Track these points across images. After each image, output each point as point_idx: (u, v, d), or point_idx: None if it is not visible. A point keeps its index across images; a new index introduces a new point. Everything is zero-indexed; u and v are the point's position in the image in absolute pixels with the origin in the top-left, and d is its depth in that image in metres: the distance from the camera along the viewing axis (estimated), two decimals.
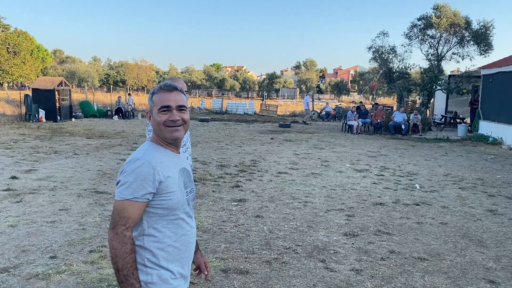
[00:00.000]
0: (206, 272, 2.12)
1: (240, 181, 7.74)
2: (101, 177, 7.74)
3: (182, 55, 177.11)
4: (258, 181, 7.86)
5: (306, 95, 25.00)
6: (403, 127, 17.64)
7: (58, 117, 18.63)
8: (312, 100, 25.26)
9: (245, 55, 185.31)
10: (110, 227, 1.66)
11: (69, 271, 3.83)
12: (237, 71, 75.35)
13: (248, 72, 79.58)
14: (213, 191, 6.96)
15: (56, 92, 18.56)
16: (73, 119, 19.75)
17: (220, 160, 9.93)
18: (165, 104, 1.75)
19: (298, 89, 64.20)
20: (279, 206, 6.22)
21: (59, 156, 9.92)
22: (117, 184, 1.71)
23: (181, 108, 1.78)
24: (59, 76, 39.69)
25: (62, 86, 19.18)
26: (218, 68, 77.76)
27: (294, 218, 5.65)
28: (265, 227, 5.25)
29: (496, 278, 3.95)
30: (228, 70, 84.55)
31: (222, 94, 54.27)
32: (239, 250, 4.49)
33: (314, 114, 26.33)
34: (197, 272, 2.14)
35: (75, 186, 7.00)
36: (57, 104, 18.70)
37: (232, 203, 6.28)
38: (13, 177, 7.44)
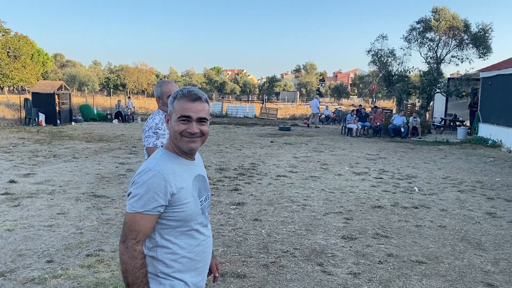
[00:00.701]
0: (216, 274, 2.10)
1: (239, 185, 7.73)
2: (99, 181, 7.73)
3: (182, 58, 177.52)
4: (257, 184, 7.85)
5: (314, 98, 25.11)
6: (402, 130, 17.64)
7: (58, 121, 18.65)
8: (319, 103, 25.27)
9: (246, 58, 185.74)
10: (120, 241, 1.62)
11: (66, 275, 3.82)
12: (238, 74, 75.44)
13: (249, 75, 79.68)
14: (212, 194, 6.95)
15: (56, 96, 18.58)
16: (73, 123, 19.76)
17: (220, 164, 9.92)
18: (186, 114, 1.68)
19: (298, 92, 64.26)
20: (277, 209, 6.21)
21: (58, 160, 9.92)
22: (128, 195, 1.65)
23: (201, 120, 1.70)
24: (60, 80, 39.78)
25: (62, 90, 19.20)
26: (218, 72, 77.84)
27: (292, 222, 5.64)
28: (263, 231, 5.24)
29: (494, 282, 3.94)
30: (228, 74, 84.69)
31: (222, 97, 54.32)
32: (236, 254, 4.47)
33: (321, 116, 26.30)
34: (210, 275, 2.14)
35: (74, 190, 6.99)
36: (57, 108, 18.72)
37: (231, 207, 6.27)
38: (12, 181, 7.43)
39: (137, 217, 1.60)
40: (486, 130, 16.23)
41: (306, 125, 22.52)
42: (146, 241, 1.68)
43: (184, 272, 1.70)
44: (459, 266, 4.28)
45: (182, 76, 68.17)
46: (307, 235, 5.12)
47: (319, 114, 26.68)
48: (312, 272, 4.07)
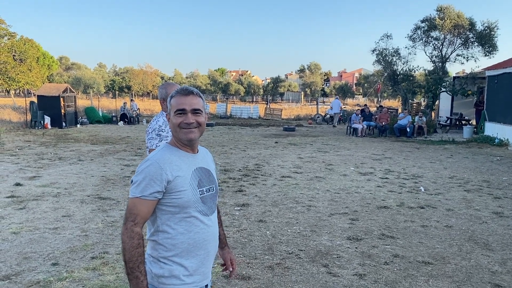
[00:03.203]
0: (231, 269, 2.18)
1: (243, 186, 7.72)
2: (104, 183, 7.75)
3: (186, 60, 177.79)
4: (262, 185, 7.83)
5: (335, 99, 25.66)
6: (408, 129, 17.55)
7: (63, 124, 18.74)
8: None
9: (250, 59, 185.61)
10: (123, 222, 1.77)
11: (71, 278, 3.82)
12: (242, 75, 75.50)
13: (253, 76, 79.71)
14: None
15: (61, 99, 18.68)
16: (78, 125, 19.85)
17: (224, 165, 9.91)
18: (181, 108, 1.84)
19: (302, 92, 64.15)
20: (282, 210, 6.19)
21: (63, 162, 9.96)
22: (131, 183, 1.82)
23: (196, 111, 1.86)
24: (65, 82, 39.96)
25: (67, 92, 19.30)
26: (222, 73, 77.93)
27: (297, 223, 5.62)
28: (268, 232, 5.22)
29: (502, 282, 3.89)
30: (232, 75, 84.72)
31: (227, 98, 54.36)
32: (241, 256, 4.46)
33: (319, 117, 26.29)
34: (223, 268, 2.21)
35: (79, 192, 7.01)
36: (62, 111, 18.81)
37: (235, 208, 6.25)
38: (17, 184, 7.46)
39: (136, 201, 1.76)
40: (492, 129, 16.10)
41: (327, 123, 23.01)
42: (149, 225, 1.84)
43: (184, 258, 1.81)
44: (466, 267, 4.24)
45: (186, 77, 68.30)
46: (312, 236, 5.09)
47: (324, 115, 26.63)
48: (317, 273, 4.05)
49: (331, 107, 25.19)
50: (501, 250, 4.73)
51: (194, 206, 1.82)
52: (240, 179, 8.35)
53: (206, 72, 71.80)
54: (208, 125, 21.23)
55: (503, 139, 14.75)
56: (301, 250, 4.64)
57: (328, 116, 25.97)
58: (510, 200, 6.98)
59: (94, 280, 3.80)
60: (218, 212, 2.15)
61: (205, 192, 1.88)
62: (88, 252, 4.45)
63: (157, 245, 1.81)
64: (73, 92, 20.14)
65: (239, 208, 6.26)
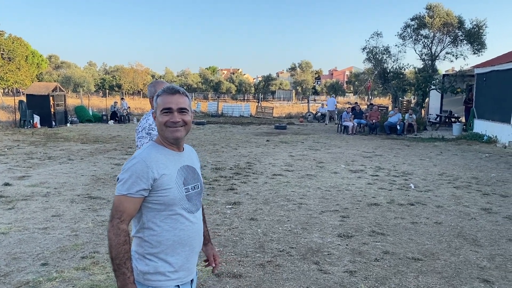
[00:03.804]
0: (214, 265, 2.22)
1: (235, 184, 7.72)
2: (95, 182, 7.70)
3: (177, 58, 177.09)
4: (253, 183, 7.84)
5: (330, 97, 26.02)
6: (398, 127, 17.67)
7: (53, 123, 18.57)
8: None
9: (241, 57, 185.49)
10: (109, 219, 1.79)
11: (61, 278, 3.79)
12: (233, 73, 75.40)
13: (244, 74, 79.60)
14: (208, 194, 6.93)
15: (51, 98, 18.50)
16: (68, 124, 19.68)
17: (215, 163, 9.90)
18: (167, 106, 1.85)
19: (294, 91, 64.23)
20: (273, 208, 6.20)
21: (53, 162, 9.87)
22: (117, 180, 1.84)
23: (182, 110, 1.87)
24: (55, 81, 39.59)
25: (56, 91, 19.12)
26: (213, 71, 77.76)
27: (288, 220, 5.63)
28: (259, 230, 5.23)
29: (490, 277, 3.94)
30: (224, 73, 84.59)
31: (218, 97, 54.25)
32: (232, 254, 4.46)
33: (310, 115, 26.36)
34: (206, 264, 2.25)
35: (69, 192, 6.96)
36: (52, 110, 18.64)
37: (227, 206, 6.25)
38: (6, 184, 7.39)
39: (122, 199, 1.78)
40: (481, 126, 16.28)
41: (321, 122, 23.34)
42: (135, 222, 1.87)
43: (169, 254, 1.84)
44: (455, 263, 4.29)
45: (177, 76, 68.05)
46: (303, 234, 5.11)
47: (315, 113, 26.71)
48: (308, 271, 4.07)
49: (326, 105, 25.41)
50: (490, 246, 4.79)
51: (180, 203, 1.85)
52: (232, 177, 8.35)
53: (197, 70, 71.66)
54: (199, 123, 21.18)
55: (492, 136, 14.92)
56: (292, 247, 4.66)
57: (319, 114, 26.05)
58: (499, 197, 7.07)
59: (84, 280, 3.78)
60: (202, 209, 2.20)
61: (190, 190, 1.91)
62: (78, 252, 4.43)
63: (143, 242, 1.84)
64: (62, 91, 19.95)
65: (230, 206, 6.26)
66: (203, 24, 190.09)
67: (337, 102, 28.82)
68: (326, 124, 23.27)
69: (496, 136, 14.72)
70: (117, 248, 1.73)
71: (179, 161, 1.91)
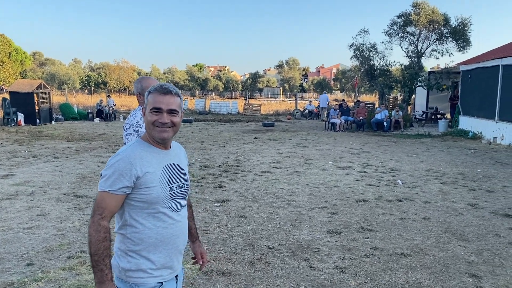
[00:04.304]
0: (201, 262, 2.21)
1: (223, 181, 7.67)
2: (81, 181, 7.58)
3: (164, 55, 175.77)
4: (242, 181, 7.81)
5: (323, 94, 26.11)
6: (385, 124, 17.80)
7: (38, 120, 18.27)
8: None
9: (228, 55, 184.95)
10: (90, 216, 1.78)
11: (46, 279, 3.71)
12: (220, 71, 75.16)
13: (231, 72, 79.44)
14: (196, 192, 6.88)
15: (35, 95, 18.19)
16: (53, 122, 19.39)
17: (203, 161, 9.84)
18: (157, 106, 1.83)
19: (281, 88, 64.30)
20: (262, 205, 6.18)
21: (37, 160, 9.70)
22: (100, 176, 1.83)
23: (172, 111, 1.85)
24: (39, 78, 38.95)
25: (41, 88, 18.81)
26: (200, 68, 77.37)
27: (277, 217, 5.62)
28: (248, 227, 5.20)
29: (478, 272, 3.98)
30: (211, 70, 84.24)
31: (205, 94, 53.96)
32: (222, 252, 4.42)
33: (297, 112, 26.41)
34: (194, 261, 2.24)
35: (54, 191, 6.84)
36: (36, 107, 18.34)
37: (215, 204, 6.21)
38: None
39: (104, 195, 1.76)
40: (466, 123, 16.49)
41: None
42: (118, 219, 1.86)
43: (151, 252, 1.83)
44: (444, 258, 4.32)
45: (164, 73, 67.54)
46: (293, 231, 5.10)
47: (302, 110, 26.77)
48: (298, 268, 4.05)
49: (318, 102, 25.57)
50: (477, 240, 4.84)
51: (163, 202, 1.84)
52: (220, 175, 8.30)
53: (184, 67, 71.18)
54: (186, 121, 21.05)
55: (477, 132, 15.13)
56: (281, 244, 4.64)
57: (306, 111, 26.11)
58: (485, 192, 7.15)
59: (71, 280, 3.71)
60: (190, 207, 2.20)
61: (175, 189, 1.89)
62: (65, 252, 4.34)
63: (125, 239, 1.83)
64: (47, 88, 19.63)
65: (219, 204, 6.22)
66: (190, 21, 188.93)
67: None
68: (323, 120, 23.21)
69: (481, 132, 14.92)
70: (97, 245, 1.71)
71: (164, 159, 1.89)
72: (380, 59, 23.17)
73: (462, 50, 21.42)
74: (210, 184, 7.49)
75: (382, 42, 25.11)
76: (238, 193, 6.89)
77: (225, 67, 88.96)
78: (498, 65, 14.11)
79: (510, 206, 6.24)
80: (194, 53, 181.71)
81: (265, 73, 78.03)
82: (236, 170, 8.79)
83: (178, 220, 1.91)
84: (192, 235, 2.21)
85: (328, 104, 24.70)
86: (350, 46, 23.47)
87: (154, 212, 1.82)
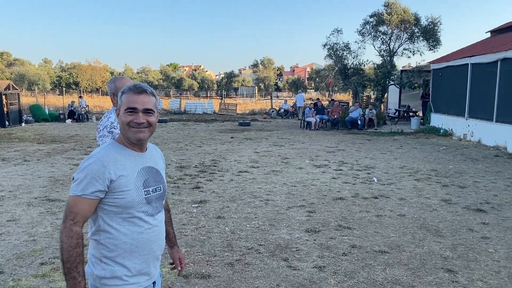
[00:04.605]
0: (179, 268, 2.17)
1: (200, 182, 7.60)
2: (53, 184, 7.37)
3: (137, 55, 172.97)
4: (219, 181, 7.75)
5: (299, 93, 26.25)
6: (359, 122, 18.04)
7: (6, 123, 17.71)
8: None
9: (203, 54, 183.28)
10: (62, 221, 1.72)
11: (18, 287, 3.58)
12: (195, 70, 74.65)
13: (206, 71, 79.02)
14: (173, 193, 6.79)
15: (3, 96, 17.63)
16: (23, 124, 18.83)
17: (180, 161, 9.73)
18: (132, 106, 1.77)
19: (256, 87, 64.36)
20: (240, 205, 6.15)
21: (7, 163, 9.38)
22: (72, 180, 1.76)
23: (147, 111, 1.79)
24: (7, 79, 37.74)
25: (9, 89, 18.24)
26: (175, 68, 76.60)
27: (256, 217, 5.60)
28: (226, 228, 5.16)
29: (453, 267, 4.06)
30: (185, 70, 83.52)
31: (180, 94, 53.41)
32: (200, 254, 4.37)
33: (273, 112, 26.48)
34: (172, 266, 2.20)
35: (25, 195, 6.62)
36: (5, 109, 17.77)
37: (193, 205, 6.14)
38: None
39: (76, 200, 1.69)
40: (437, 120, 16.88)
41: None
42: (91, 224, 1.79)
43: (127, 258, 1.77)
44: (420, 254, 4.39)
45: (138, 73, 66.56)
46: (271, 230, 5.09)
47: (278, 109, 26.85)
48: (277, 268, 4.04)
49: (295, 101, 25.71)
50: (451, 236, 4.94)
51: (138, 206, 1.78)
52: (197, 175, 8.22)
53: (158, 67, 70.34)
54: (162, 121, 20.80)
55: (448, 129, 15.51)
56: (260, 245, 4.62)
57: (282, 110, 26.21)
58: (457, 188, 7.33)
59: (44, 287, 3.58)
60: (168, 211, 2.15)
61: (151, 193, 1.83)
62: (37, 258, 4.20)
63: (99, 245, 1.77)
64: (16, 89, 19.05)
65: (196, 205, 6.16)
66: (163, 20, 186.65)
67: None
68: (299, 119, 23.38)
69: (452, 129, 15.31)
70: (69, 251, 1.65)
71: (140, 162, 1.83)
72: (353, 58, 23.46)
73: (432, 49, 21.92)
74: (187, 185, 7.40)
75: (355, 42, 25.46)
76: (216, 193, 6.84)
77: (200, 66, 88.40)
78: (467, 64, 14.50)
79: (482, 201, 6.42)
80: (168, 53, 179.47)
81: (240, 73, 77.96)
82: (213, 170, 8.73)
83: (155, 224, 1.85)
84: (170, 240, 2.15)
85: (304, 103, 24.92)
86: (324, 45, 23.68)
87: (129, 217, 1.76)
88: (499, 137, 12.07)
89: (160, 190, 1.89)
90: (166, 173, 7.22)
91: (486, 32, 19.13)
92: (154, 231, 1.85)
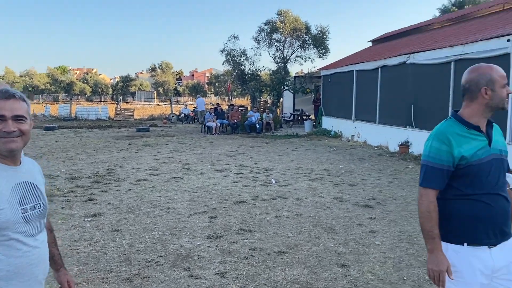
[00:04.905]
0: None
1: (94, 194, 7.13)
2: None
3: (20, 57, 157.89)
4: (115, 191, 7.35)
5: (198, 97, 25.76)
6: (257, 126, 18.54)
7: None
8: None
9: (95, 57, 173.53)
10: None
11: None
12: (87, 73, 70.21)
13: (100, 74, 74.79)
14: (62, 207, 6.26)
15: None
16: None
17: (70, 172, 9.04)
18: (0, 113, 1.60)
19: (155, 92, 62.70)
20: (139, 216, 5.89)
21: None
22: None
23: (18, 118, 1.62)
24: None
25: None
26: (64, 71, 71.33)
27: (155, 227, 5.41)
28: (124, 241, 4.90)
29: (346, 261, 4.33)
30: (76, 73, 78.23)
31: (71, 99, 49.84)
32: (94, 271, 4.08)
33: (173, 117, 26.02)
34: None
35: None
36: None
37: (86, 219, 5.73)
38: None
39: None
40: (328, 123, 18.06)
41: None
42: None
43: (4, 286, 1.60)
44: (316, 251, 4.61)
45: (21, 76, 60.64)
46: (172, 240, 4.95)
47: (178, 114, 26.46)
48: (179, 278, 3.94)
49: (196, 106, 25.49)
50: (343, 232, 5.28)
51: (15, 227, 1.60)
52: (90, 186, 7.70)
53: (44, 70, 64.84)
54: (49, 128, 19.19)
55: (338, 131, 16.67)
56: (160, 256, 4.47)
57: (182, 115, 25.87)
58: (347, 186, 7.88)
59: None
60: (51, 231, 1.95)
61: (28, 211, 1.66)
62: None
63: None
64: None
65: (89, 219, 5.75)
66: (50, 20, 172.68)
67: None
68: (200, 124, 23.21)
69: (341, 131, 16.48)
70: None
71: (14, 177, 1.65)
72: (250, 64, 24.09)
73: (322, 57, 23.44)
74: (79, 197, 6.90)
75: (252, 48, 26.16)
76: (112, 205, 6.47)
77: (93, 69, 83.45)
78: (353, 70, 15.74)
79: (369, 197, 6.98)
80: (56, 55, 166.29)
81: (137, 76, 75.26)
82: (108, 180, 8.26)
83: (35, 246, 1.67)
84: (56, 262, 1.95)
85: (205, 107, 24.94)
86: (222, 51, 23.95)
87: (5, 239, 1.57)
88: (381, 138, 13.29)
89: (40, 207, 1.72)
90: (54, 186, 6.59)
91: (368, 42, 21.01)
92: (36, 254, 1.68)
